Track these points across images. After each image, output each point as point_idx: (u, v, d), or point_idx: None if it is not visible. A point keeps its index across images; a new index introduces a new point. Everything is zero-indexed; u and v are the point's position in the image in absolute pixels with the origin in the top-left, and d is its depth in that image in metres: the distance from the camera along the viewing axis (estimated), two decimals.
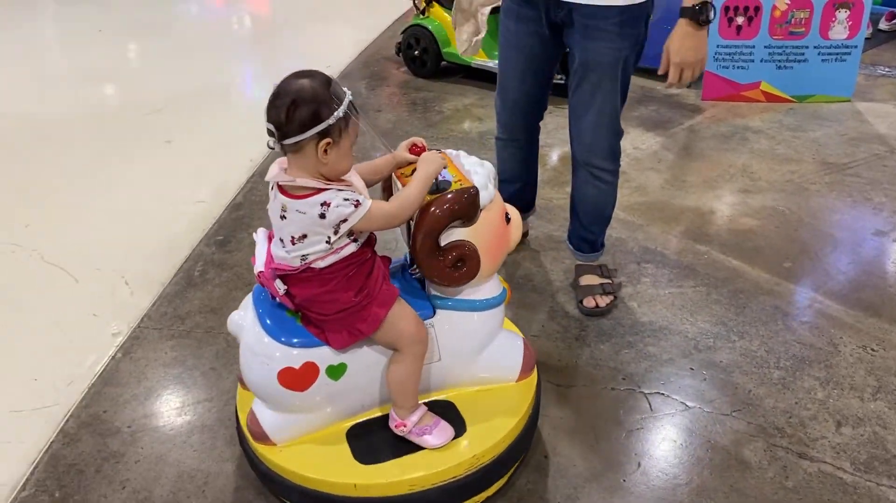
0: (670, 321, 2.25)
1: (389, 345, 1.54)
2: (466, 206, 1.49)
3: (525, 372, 1.72)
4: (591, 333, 2.21)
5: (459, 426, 1.60)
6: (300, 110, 1.32)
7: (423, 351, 1.55)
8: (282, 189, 1.41)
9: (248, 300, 1.61)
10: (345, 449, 1.56)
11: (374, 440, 1.58)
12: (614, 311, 2.29)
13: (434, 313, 1.59)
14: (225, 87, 4.57)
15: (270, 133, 1.36)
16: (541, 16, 2.01)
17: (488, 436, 1.58)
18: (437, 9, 4.20)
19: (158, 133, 3.76)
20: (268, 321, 1.52)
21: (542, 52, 2.10)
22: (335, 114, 1.33)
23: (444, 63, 4.28)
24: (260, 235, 1.56)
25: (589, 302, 2.28)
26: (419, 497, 1.51)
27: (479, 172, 1.57)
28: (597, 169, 2.13)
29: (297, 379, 1.50)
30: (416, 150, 1.59)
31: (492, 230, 1.58)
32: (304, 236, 1.41)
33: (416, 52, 4.28)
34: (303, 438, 1.57)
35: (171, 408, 1.97)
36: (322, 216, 1.37)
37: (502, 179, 2.46)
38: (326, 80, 1.36)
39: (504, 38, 2.15)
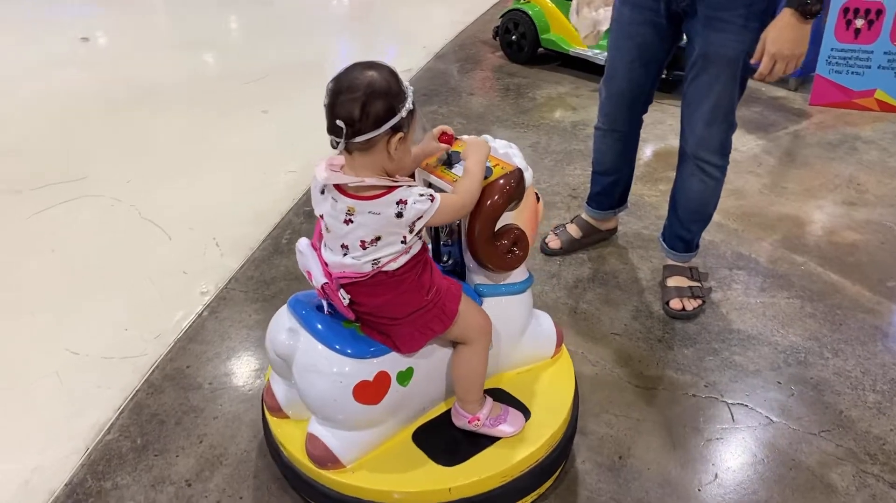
0: (760, 331, 2.16)
1: (458, 339, 1.50)
2: (517, 189, 1.47)
3: (558, 346, 1.76)
4: (675, 336, 2.14)
5: (523, 410, 1.59)
6: (375, 104, 1.23)
7: (489, 341, 1.53)
8: (343, 191, 1.32)
9: (284, 317, 1.49)
10: (420, 455, 1.49)
11: (442, 440, 1.52)
12: (701, 316, 2.21)
13: (481, 302, 1.57)
14: (321, 61, 4.63)
15: (336, 131, 1.25)
16: (659, 5, 1.96)
17: (555, 412, 1.59)
18: None
19: (256, 102, 3.85)
20: (329, 336, 1.42)
21: (655, 42, 2.04)
22: (406, 106, 1.26)
23: (540, 50, 4.22)
24: (304, 246, 1.43)
25: (676, 304, 2.21)
26: (512, 486, 1.49)
27: (516, 154, 1.54)
28: (705, 163, 2.06)
29: (371, 391, 1.41)
30: (446, 138, 1.53)
31: (531, 210, 1.57)
32: (378, 239, 1.32)
33: (514, 37, 4.24)
34: (370, 454, 1.48)
35: (251, 369, 2.02)
36: (399, 215, 1.30)
37: (597, 171, 2.42)
38: (393, 72, 1.28)
39: (617, 24, 2.10)
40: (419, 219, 1.31)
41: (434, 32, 4.91)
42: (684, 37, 2.02)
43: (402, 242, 1.33)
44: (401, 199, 1.29)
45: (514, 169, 1.47)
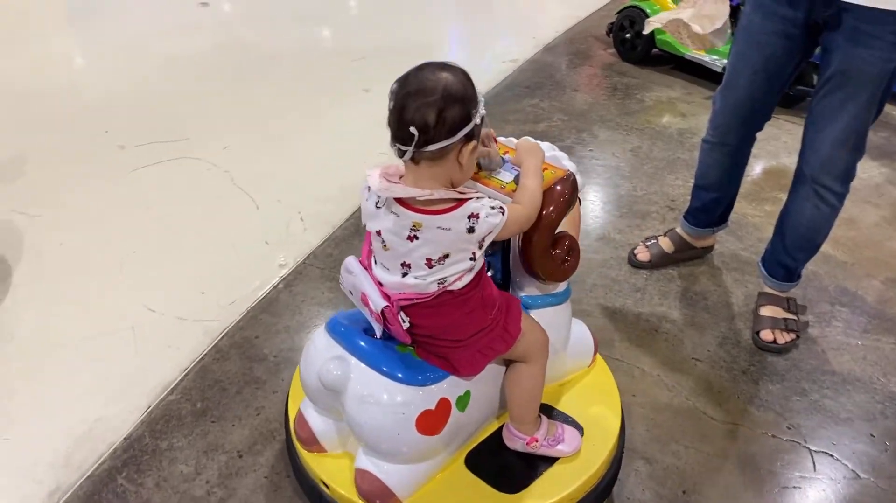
0: (857, 376, 1.98)
1: (518, 358, 1.41)
2: (574, 195, 1.36)
3: (595, 353, 1.70)
4: (761, 370, 1.99)
5: (575, 426, 1.52)
6: (451, 110, 1.12)
7: (547, 358, 1.44)
8: (407, 205, 1.19)
9: (326, 344, 1.37)
10: (477, 482, 1.39)
11: (497, 464, 1.43)
12: (793, 352, 2.05)
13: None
14: (428, 45, 4.59)
15: (405, 138, 1.12)
16: (797, 14, 1.79)
17: (608, 423, 1.54)
18: None
19: (359, 81, 3.85)
20: (387, 363, 1.30)
21: (784, 54, 1.88)
22: (479, 111, 1.16)
23: (655, 50, 4.05)
24: (353, 265, 1.31)
25: (767, 335, 2.06)
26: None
27: (563, 156, 1.45)
28: (824, 188, 1.89)
29: (434, 421, 1.30)
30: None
31: (577, 215, 1.46)
32: (446, 256, 1.20)
33: (628, 35, 4.08)
34: (427, 485, 1.38)
35: None
36: (470, 230, 1.18)
37: (699, 185, 2.27)
38: (467, 74, 1.17)
39: (745, 32, 1.94)
40: (490, 233, 1.21)
41: (546, 24, 4.79)
42: (817, 50, 1.86)
43: (470, 259, 1.22)
44: (473, 213, 1.18)
45: (568, 173, 1.36)
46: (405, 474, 1.34)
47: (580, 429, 1.51)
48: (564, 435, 1.47)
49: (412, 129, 1.11)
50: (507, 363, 1.43)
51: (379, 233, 1.23)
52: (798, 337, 2.07)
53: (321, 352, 1.35)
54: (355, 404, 1.30)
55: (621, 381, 1.86)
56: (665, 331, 2.12)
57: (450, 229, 1.18)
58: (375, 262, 1.28)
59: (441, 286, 1.22)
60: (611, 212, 2.70)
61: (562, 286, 1.51)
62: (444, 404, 1.31)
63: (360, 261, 1.32)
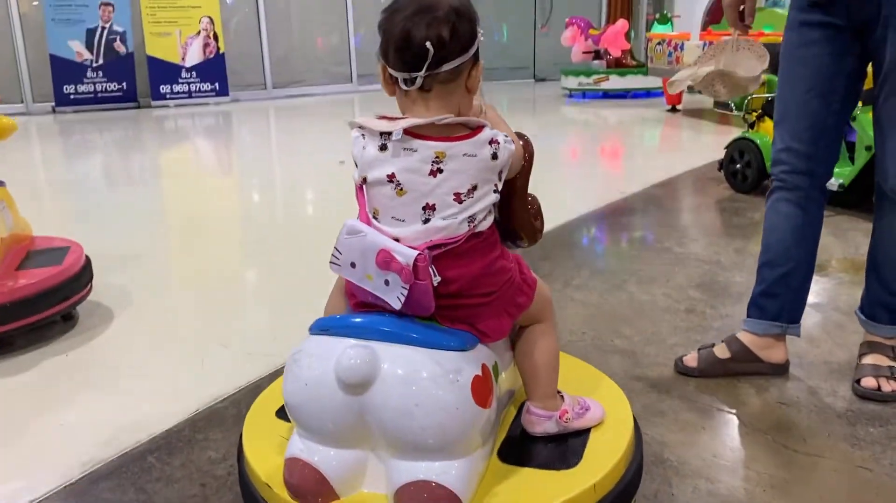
0: None
1: (533, 317, 1.29)
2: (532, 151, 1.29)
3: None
4: (860, 415, 1.73)
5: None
6: (462, 25, 1.08)
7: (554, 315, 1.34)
8: (424, 136, 1.10)
9: (324, 345, 1.13)
10: (527, 471, 1.21)
11: (533, 451, 1.27)
12: None
13: None
14: (549, 181, 4.76)
15: (415, 63, 1.08)
16: (834, 20, 1.73)
17: (610, 390, 1.47)
18: (767, 123, 3.97)
19: None
20: (420, 333, 1.12)
21: (832, 62, 1.77)
22: (480, 30, 1.12)
23: (766, 181, 3.97)
24: (359, 224, 1.13)
25: (869, 382, 1.80)
26: (633, 471, 1.26)
27: None
28: None
29: (484, 388, 1.12)
30: None
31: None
32: (475, 187, 1.12)
33: (739, 166, 4.05)
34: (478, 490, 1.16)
35: None
36: (494, 156, 1.12)
37: (763, 262, 1.92)
38: None
39: (786, 55, 1.86)
40: (507, 164, 1.15)
41: (658, 167, 4.83)
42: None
43: (494, 192, 1.15)
44: (493, 139, 1.12)
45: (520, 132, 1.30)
46: (464, 471, 1.10)
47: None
48: (587, 401, 1.34)
49: (427, 45, 1.06)
50: (516, 337, 1.33)
51: (391, 177, 1.11)
52: None
53: (326, 353, 1.10)
54: (397, 389, 1.06)
55: (688, 418, 1.71)
56: (749, 380, 1.90)
57: (475, 156, 1.11)
58: (378, 221, 1.14)
59: (471, 225, 1.13)
60: (704, 292, 2.55)
61: None
62: (486, 371, 1.15)
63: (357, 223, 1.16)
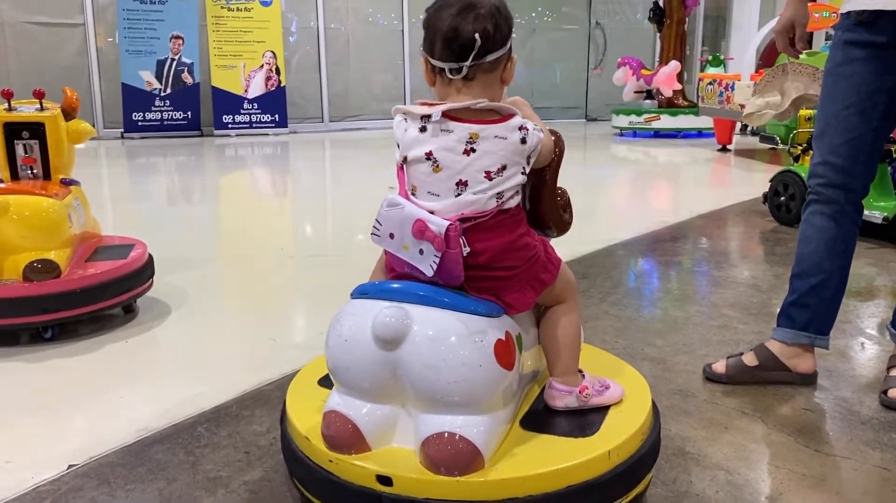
0: None
1: (557, 296, 1.39)
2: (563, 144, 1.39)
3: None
4: (884, 422, 1.76)
5: None
6: (502, 21, 1.22)
7: (579, 298, 1.44)
8: (461, 118, 1.23)
9: (364, 306, 1.24)
10: (547, 437, 1.29)
11: (554, 420, 1.35)
12: None
13: None
14: (592, 208, 4.84)
15: (462, 53, 1.20)
16: (878, 38, 1.77)
17: (629, 373, 1.55)
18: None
19: None
20: (450, 298, 1.22)
21: (873, 79, 1.79)
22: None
23: None
24: (400, 199, 1.25)
25: (895, 393, 1.83)
26: (651, 445, 1.34)
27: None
28: None
29: (508, 352, 1.23)
30: None
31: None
32: (504, 167, 1.23)
33: (783, 199, 4.07)
34: (499, 450, 1.24)
35: None
36: (523, 141, 1.24)
37: (795, 273, 1.97)
38: None
39: (829, 72, 1.90)
40: (535, 150, 1.27)
41: (703, 200, 4.87)
42: None
43: (522, 173, 1.27)
44: (522, 125, 1.25)
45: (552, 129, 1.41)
46: (486, 428, 1.19)
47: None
48: (607, 381, 1.42)
49: (476, 37, 1.19)
50: (540, 317, 1.43)
51: (429, 155, 1.24)
52: None
53: (364, 313, 1.22)
54: (426, 346, 1.17)
55: (712, 418, 1.78)
56: (776, 388, 1.94)
57: (506, 138, 1.23)
58: (416, 196, 1.27)
59: (499, 201, 1.24)
60: (739, 311, 2.59)
61: None
62: (510, 337, 1.25)
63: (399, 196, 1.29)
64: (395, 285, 1.26)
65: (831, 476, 1.53)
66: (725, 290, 2.84)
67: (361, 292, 1.28)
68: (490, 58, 1.23)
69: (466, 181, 1.23)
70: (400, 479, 1.18)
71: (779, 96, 3.65)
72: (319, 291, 2.97)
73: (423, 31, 1.28)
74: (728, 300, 2.71)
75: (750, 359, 1.98)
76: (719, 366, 1.99)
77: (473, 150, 1.22)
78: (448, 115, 1.23)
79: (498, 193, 1.24)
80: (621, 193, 5.84)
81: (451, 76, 1.25)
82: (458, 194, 1.23)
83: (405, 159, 1.27)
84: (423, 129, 1.25)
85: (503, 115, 1.26)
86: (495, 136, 1.22)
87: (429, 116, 1.23)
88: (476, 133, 1.22)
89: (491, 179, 1.23)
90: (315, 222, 4.72)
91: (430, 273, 1.22)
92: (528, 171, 1.28)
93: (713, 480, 1.51)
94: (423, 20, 1.28)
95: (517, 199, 1.30)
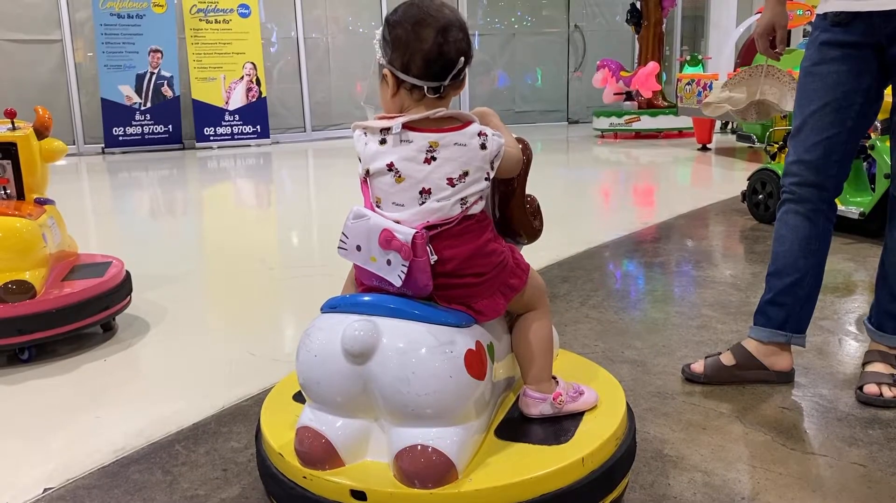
0: None
1: (527, 303, 1.40)
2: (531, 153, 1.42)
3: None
4: (860, 419, 1.77)
5: None
6: (468, 36, 1.28)
7: (548, 304, 1.45)
8: (419, 129, 1.25)
9: (333, 320, 1.24)
10: (521, 446, 1.29)
11: (529, 429, 1.35)
12: None
13: None
14: (568, 209, 4.85)
15: (443, 72, 1.24)
16: (853, 38, 1.79)
17: (604, 378, 1.57)
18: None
19: None
20: (419, 310, 1.23)
21: (850, 79, 1.81)
22: None
23: None
24: (366, 210, 1.26)
25: (871, 389, 1.84)
26: (626, 450, 1.35)
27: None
28: None
29: (478, 362, 1.22)
30: None
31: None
32: (466, 174, 1.25)
33: (761, 197, 4.10)
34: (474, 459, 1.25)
35: None
36: (483, 146, 1.26)
37: (771, 271, 1.98)
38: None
39: (804, 71, 1.91)
40: (497, 155, 1.28)
41: (683, 201, 4.89)
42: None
43: (485, 179, 1.28)
44: (481, 132, 1.27)
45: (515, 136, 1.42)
46: (458, 439, 1.19)
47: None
48: (581, 387, 1.42)
49: (461, 60, 1.24)
50: (512, 325, 1.44)
51: (391, 166, 1.25)
52: None
53: (333, 327, 1.22)
54: (395, 359, 1.17)
55: (690, 419, 1.79)
56: (754, 387, 1.95)
57: (465, 145, 1.25)
58: (381, 208, 1.28)
59: (463, 208, 1.25)
60: (717, 310, 2.60)
61: None
62: (481, 347, 1.25)
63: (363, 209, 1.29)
64: (366, 298, 1.26)
65: (808, 474, 1.54)
66: (705, 290, 2.85)
67: (331, 306, 1.28)
68: (462, 76, 1.27)
69: (430, 189, 1.24)
70: (374, 494, 1.18)
71: (744, 95, 3.67)
72: (300, 304, 2.96)
73: (391, 44, 1.27)
74: (707, 300, 2.72)
75: (727, 359, 1.99)
76: (697, 367, 2.00)
77: (434, 159, 1.24)
78: (407, 125, 1.25)
79: (462, 199, 1.26)
80: (603, 195, 5.86)
81: (428, 94, 1.26)
82: (423, 202, 1.24)
83: (367, 172, 1.28)
84: (383, 142, 1.26)
85: (462, 123, 1.28)
86: (455, 144, 1.24)
87: (388, 129, 1.25)
88: (436, 141, 1.24)
89: (454, 186, 1.25)
90: (297, 233, 4.71)
91: (398, 283, 1.22)
92: (491, 176, 1.30)
93: (691, 482, 1.51)
94: (390, 33, 1.27)
95: (481, 205, 1.30)
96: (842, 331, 2.36)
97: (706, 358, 2.03)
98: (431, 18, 1.24)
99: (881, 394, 1.83)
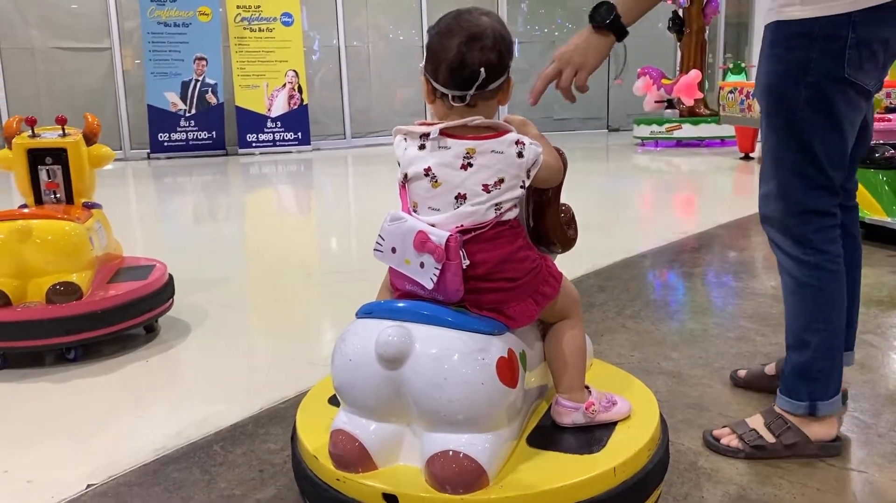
0: None
1: (560, 312, 1.40)
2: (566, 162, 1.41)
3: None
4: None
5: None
6: (504, 50, 1.27)
7: (581, 314, 1.45)
8: (458, 136, 1.26)
9: (368, 326, 1.25)
10: (553, 454, 1.30)
11: (561, 438, 1.35)
12: None
13: None
14: (612, 219, 4.83)
15: (466, 82, 1.24)
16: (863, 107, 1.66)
17: (638, 388, 1.55)
18: None
19: None
20: (452, 317, 1.23)
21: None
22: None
23: None
24: (402, 213, 1.29)
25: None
26: (658, 461, 1.34)
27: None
28: (777, 248, 1.64)
29: (510, 370, 1.23)
30: None
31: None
32: (501, 181, 1.26)
33: None
34: (504, 466, 1.25)
35: None
36: (520, 154, 1.27)
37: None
38: (500, 17, 1.31)
39: (836, 108, 1.65)
40: (535, 164, 1.29)
41: (723, 211, 4.83)
42: None
43: (521, 187, 1.29)
44: (518, 140, 1.28)
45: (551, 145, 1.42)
46: (490, 445, 1.20)
47: None
48: (614, 397, 1.42)
49: (482, 70, 1.23)
50: (545, 334, 1.44)
51: (428, 171, 1.27)
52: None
53: (368, 332, 1.23)
54: (428, 365, 1.18)
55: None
56: None
57: (502, 153, 1.26)
58: (417, 212, 1.29)
59: (497, 213, 1.26)
60: (756, 322, 2.56)
61: None
62: (513, 355, 1.25)
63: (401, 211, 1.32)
64: (400, 304, 1.28)
65: (846, 490, 1.51)
66: (744, 301, 2.81)
67: (366, 311, 1.30)
68: (492, 87, 1.27)
69: (465, 194, 1.26)
70: (406, 498, 1.19)
71: None
72: (339, 308, 2.99)
73: (426, 54, 1.30)
74: (747, 311, 2.69)
75: (770, 369, 1.98)
76: (742, 372, 2.04)
77: (471, 165, 1.26)
78: (445, 132, 1.27)
79: (496, 204, 1.27)
80: (642, 204, 5.82)
81: (453, 103, 1.28)
82: (458, 206, 1.26)
83: (406, 177, 1.30)
84: (421, 147, 1.29)
85: (499, 131, 1.29)
86: (492, 151, 1.26)
87: (427, 134, 1.27)
88: (473, 148, 1.26)
89: (489, 192, 1.26)
90: (337, 239, 4.77)
91: (430, 286, 1.24)
92: (527, 184, 1.30)
93: (725, 495, 1.50)
94: (428, 41, 1.31)
95: (515, 212, 1.31)
96: (886, 346, 2.31)
97: (752, 366, 2.05)
98: (460, 28, 1.26)
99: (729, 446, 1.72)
